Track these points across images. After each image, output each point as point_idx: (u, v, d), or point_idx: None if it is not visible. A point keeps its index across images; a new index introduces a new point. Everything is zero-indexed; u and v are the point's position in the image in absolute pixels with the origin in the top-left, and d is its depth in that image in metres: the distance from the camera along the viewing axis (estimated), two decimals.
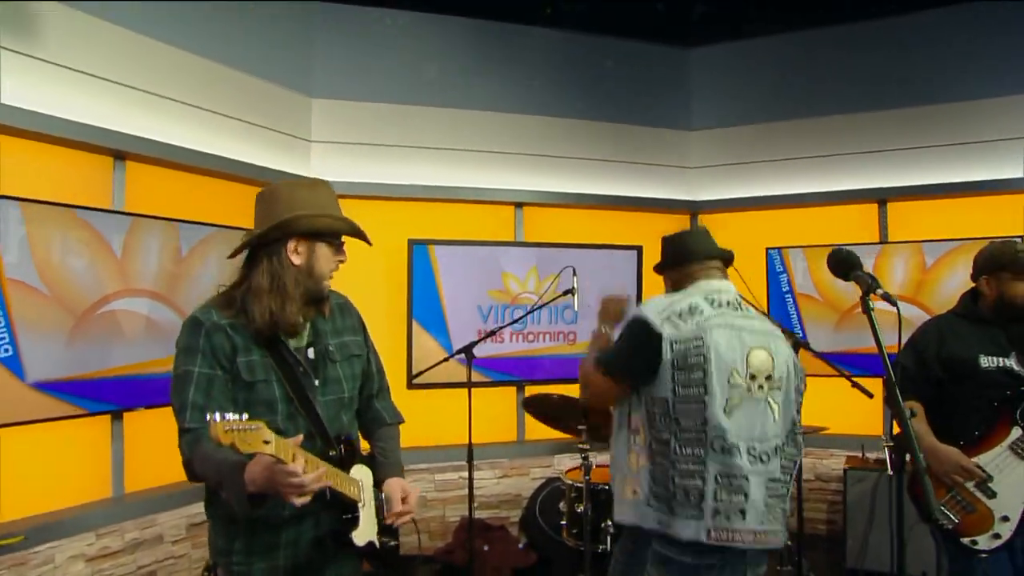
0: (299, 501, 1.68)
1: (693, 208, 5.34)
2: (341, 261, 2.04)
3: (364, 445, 2.21)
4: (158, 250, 3.52)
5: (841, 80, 5.03)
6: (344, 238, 2.04)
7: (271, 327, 1.89)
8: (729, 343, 2.21)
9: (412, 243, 4.55)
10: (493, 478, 4.76)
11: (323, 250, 1.97)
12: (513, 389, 4.90)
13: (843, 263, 2.09)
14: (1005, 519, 2.48)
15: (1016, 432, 2.50)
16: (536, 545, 4.56)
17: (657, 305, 2.28)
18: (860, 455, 4.55)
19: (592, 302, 4.79)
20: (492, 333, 3.96)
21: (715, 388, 2.15)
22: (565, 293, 4.00)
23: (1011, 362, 2.59)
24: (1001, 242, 2.78)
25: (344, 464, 1.98)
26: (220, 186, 4.00)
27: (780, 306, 4.98)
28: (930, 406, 2.71)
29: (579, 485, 3.58)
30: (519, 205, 4.92)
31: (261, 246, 1.94)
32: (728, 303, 2.33)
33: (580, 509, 3.53)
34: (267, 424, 1.61)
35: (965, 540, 2.52)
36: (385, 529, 2.10)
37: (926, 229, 4.73)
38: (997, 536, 2.48)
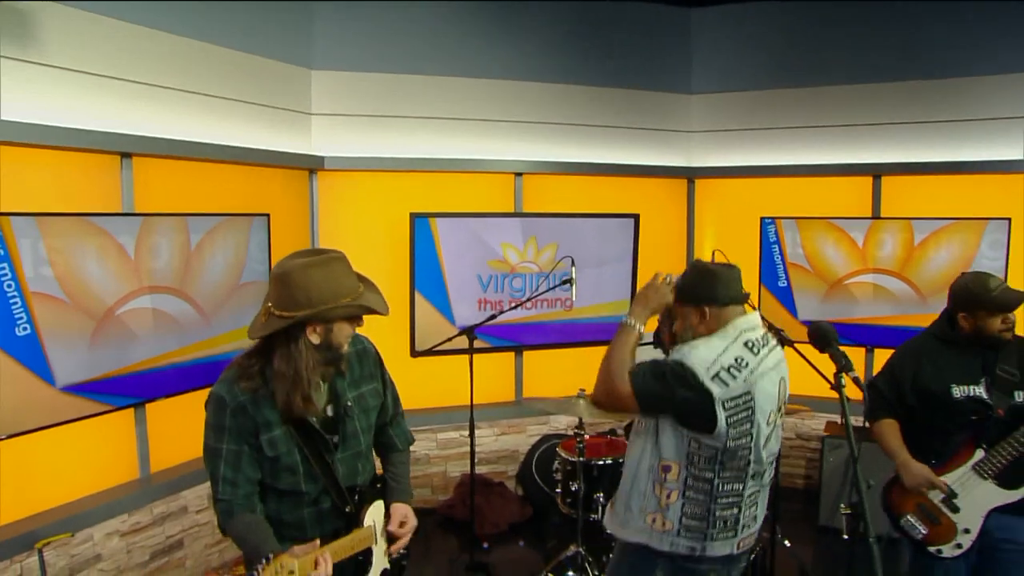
0: None
1: (690, 175, 5.48)
2: (359, 326, 2.19)
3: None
4: (168, 246, 3.70)
5: (844, 49, 5.07)
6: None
7: (291, 407, 2.06)
8: (769, 391, 2.32)
9: (414, 216, 4.71)
10: (492, 436, 5.14)
11: (340, 326, 2.11)
12: (511, 354, 5.20)
13: (822, 337, 2.28)
14: (966, 531, 2.76)
15: (979, 454, 2.75)
16: (532, 499, 5.00)
17: (704, 359, 2.27)
18: (838, 421, 4.91)
19: (591, 271, 5.06)
20: (492, 317, 4.19)
21: (761, 432, 2.29)
22: (564, 283, 4.20)
23: (980, 390, 2.78)
24: (975, 278, 2.84)
25: (358, 514, 2.22)
26: (224, 172, 4.13)
27: (772, 275, 5.22)
28: (904, 424, 2.94)
29: (573, 460, 3.93)
30: (518, 174, 5.06)
31: (280, 330, 2.07)
32: (761, 341, 2.37)
33: (575, 487, 3.89)
34: (287, 486, 1.97)
35: (931, 549, 2.81)
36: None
37: (917, 206, 4.91)
38: (959, 546, 2.76)
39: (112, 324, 3.46)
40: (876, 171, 4.98)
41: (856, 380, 2.17)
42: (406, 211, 4.72)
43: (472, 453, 4.23)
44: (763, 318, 2.62)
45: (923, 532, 2.81)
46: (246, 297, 4.08)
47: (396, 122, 4.79)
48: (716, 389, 2.21)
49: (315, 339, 2.07)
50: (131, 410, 3.66)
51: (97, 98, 3.45)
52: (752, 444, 2.28)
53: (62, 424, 3.27)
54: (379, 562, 2.29)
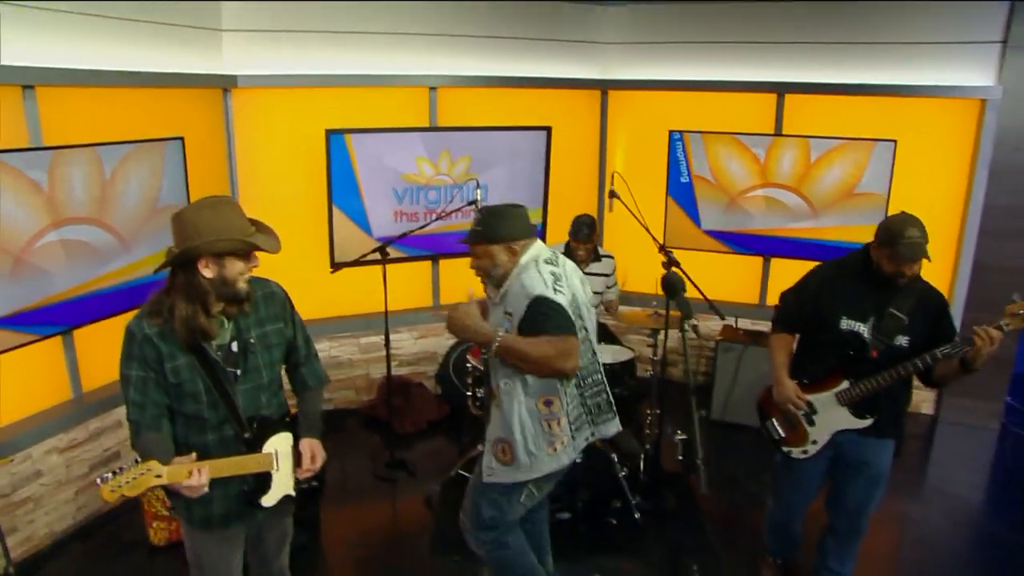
0: (196, 495, 2.29)
1: (604, 87, 5.67)
2: (254, 266, 2.42)
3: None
4: (82, 176, 3.81)
5: None
6: None
7: (190, 335, 2.34)
8: (580, 287, 2.88)
9: (329, 133, 4.86)
10: (411, 339, 5.55)
11: (232, 262, 2.34)
12: (428, 262, 5.52)
13: (671, 288, 2.65)
14: (814, 443, 3.25)
15: (844, 384, 3.13)
16: (450, 398, 5.49)
17: (543, 284, 2.68)
18: (734, 324, 5.46)
19: (504, 182, 5.32)
20: (405, 235, 4.50)
21: (587, 321, 2.86)
22: (469, 204, 4.48)
23: (864, 328, 3.06)
24: (900, 220, 2.97)
25: (258, 441, 2.51)
26: (135, 96, 4.15)
27: (678, 186, 5.57)
28: (801, 337, 3.35)
29: (480, 366, 4.35)
30: (433, 89, 5.18)
31: (178, 265, 2.33)
32: (554, 256, 2.87)
33: (481, 392, 4.33)
34: (191, 412, 2.29)
35: (784, 448, 3.34)
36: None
37: (815, 125, 5.26)
38: (805, 452, 3.27)
39: (31, 258, 3.63)
40: (780, 89, 5.27)
41: (695, 328, 2.55)
42: (322, 128, 4.85)
43: (388, 358, 4.66)
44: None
45: (781, 434, 3.32)
46: (165, 221, 4.10)
47: (310, 38, 4.82)
48: (562, 300, 2.68)
49: (208, 273, 2.30)
50: (59, 338, 3.90)
51: None
52: (590, 335, 2.84)
53: None
54: (280, 488, 2.58)
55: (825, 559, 3.41)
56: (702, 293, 4.12)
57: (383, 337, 4.65)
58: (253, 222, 2.44)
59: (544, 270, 2.75)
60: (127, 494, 2.15)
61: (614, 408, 3.02)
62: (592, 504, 4.13)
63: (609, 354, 4.41)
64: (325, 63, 4.86)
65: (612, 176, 4.39)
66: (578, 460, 3.04)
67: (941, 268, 5.25)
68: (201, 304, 2.32)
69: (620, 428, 3.02)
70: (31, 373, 3.84)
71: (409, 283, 5.46)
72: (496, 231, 2.80)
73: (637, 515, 4.07)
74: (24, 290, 3.62)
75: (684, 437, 4.46)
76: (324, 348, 5.31)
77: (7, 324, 3.57)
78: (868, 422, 3.11)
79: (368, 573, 3.78)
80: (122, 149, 4.01)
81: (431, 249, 5.40)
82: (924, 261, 2.94)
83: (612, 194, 4.36)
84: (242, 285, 2.37)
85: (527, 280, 2.72)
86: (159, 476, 2.19)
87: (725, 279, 5.63)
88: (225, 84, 4.65)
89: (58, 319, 3.82)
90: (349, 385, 5.47)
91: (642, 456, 4.44)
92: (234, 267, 2.33)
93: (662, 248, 4.16)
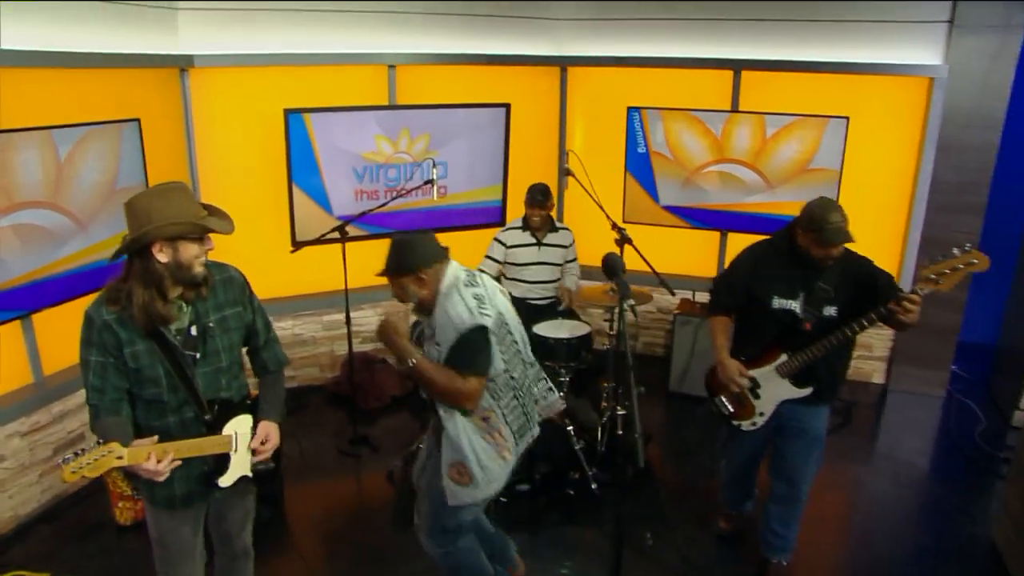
0: (160, 478, 2.38)
1: (563, 63, 5.73)
2: (208, 248, 2.47)
3: None
4: (36, 160, 3.82)
5: None
6: None
7: (148, 321, 2.41)
8: (507, 305, 2.97)
9: (288, 112, 4.88)
10: (374, 315, 5.64)
11: (185, 245, 2.39)
12: (389, 240, 5.56)
13: (610, 268, 2.76)
14: (761, 415, 3.45)
15: (782, 358, 3.31)
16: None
17: (467, 308, 2.74)
18: (691, 298, 5.61)
19: (463, 159, 5.38)
20: (363, 214, 4.56)
21: (514, 331, 2.97)
22: (426, 183, 4.55)
23: (796, 305, 3.24)
24: (822, 206, 3.14)
25: (218, 423, 2.59)
26: (89, 78, 4.14)
27: (636, 162, 5.68)
28: (737, 318, 3.52)
29: None
30: (392, 67, 5.21)
31: (134, 252, 2.39)
32: (472, 276, 2.92)
33: None
34: (151, 396, 2.36)
35: (734, 423, 3.54)
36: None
37: (770, 102, 5.37)
38: (753, 424, 3.48)
39: None
40: (736, 66, 5.37)
41: (632, 308, 2.66)
42: (280, 107, 4.87)
43: (349, 335, 4.76)
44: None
45: (730, 410, 3.51)
46: (123, 203, 4.25)
47: (267, 16, 4.82)
48: (488, 322, 2.76)
49: (163, 258, 2.35)
50: (18, 322, 3.93)
51: None
52: (520, 346, 2.97)
53: None
54: (237, 468, 2.67)
55: (770, 523, 3.61)
56: (652, 268, 4.28)
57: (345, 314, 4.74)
58: (205, 206, 2.49)
59: (467, 294, 2.80)
60: (88, 475, 2.23)
61: (553, 388, 3.20)
62: (550, 476, 4.27)
63: (566, 329, 4.55)
64: (283, 42, 4.87)
65: (568, 155, 4.48)
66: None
67: (891, 241, 5.44)
68: (158, 289, 2.38)
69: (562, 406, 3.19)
70: None
71: (371, 260, 5.47)
72: (400, 263, 2.84)
73: (594, 486, 4.23)
74: None
75: (623, 412, 4.61)
76: (287, 326, 5.39)
77: None
78: (809, 390, 3.31)
79: (331, 547, 3.90)
80: (77, 132, 4.01)
81: (392, 227, 5.46)
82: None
83: (567, 172, 4.46)
84: (198, 268, 2.43)
85: (452, 311, 2.77)
86: (120, 458, 2.27)
87: (683, 253, 5.77)
88: (182, 64, 4.65)
89: (16, 304, 3.84)
90: (313, 362, 5.56)
91: (599, 428, 4.60)
92: (188, 251, 2.38)
93: (615, 226, 4.30)
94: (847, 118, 5.12)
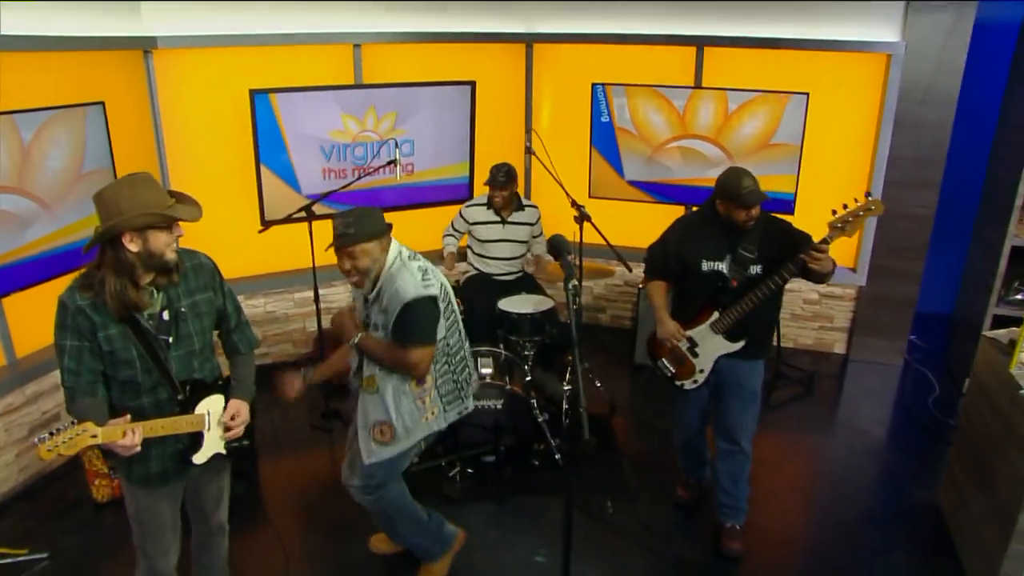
0: (129, 453, 2.51)
1: (529, 40, 5.80)
2: (178, 235, 2.58)
3: None
4: None
5: None
6: None
7: (121, 307, 2.53)
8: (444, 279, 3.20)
9: (253, 93, 4.94)
10: (345, 292, 5.75)
11: (155, 235, 2.50)
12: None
13: (555, 248, 2.90)
14: (701, 371, 3.71)
15: (715, 315, 3.58)
16: None
17: (415, 282, 2.97)
18: None
19: (430, 137, 5.47)
20: (328, 194, 4.69)
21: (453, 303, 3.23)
22: (388, 163, 4.66)
23: (723, 266, 3.53)
24: (733, 174, 3.45)
25: (190, 403, 2.73)
26: (51, 61, 4.18)
27: (601, 138, 5.78)
28: (673, 285, 3.77)
29: None
30: (357, 46, 5.26)
31: (106, 241, 2.49)
32: (408, 250, 3.14)
33: None
34: (126, 377, 2.50)
35: (677, 382, 3.79)
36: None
37: (733, 78, 5.49)
38: (695, 381, 3.73)
39: None
40: (699, 43, 5.47)
41: (575, 288, 2.80)
42: (245, 88, 4.93)
43: (318, 312, 4.90)
44: None
45: (672, 371, 3.78)
46: (91, 185, 4.32)
47: None
48: (433, 291, 3.00)
49: (133, 247, 2.47)
50: None
51: None
52: (457, 315, 3.23)
53: None
54: (211, 446, 2.82)
55: (721, 482, 3.83)
56: (607, 241, 4.46)
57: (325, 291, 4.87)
58: (173, 194, 2.60)
59: (412, 266, 3.02)
60: (64, 453, 2.35)
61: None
62: (516, 448, 4.44)
63: (531, 304, 4.69)
64: (247, 23, 4.91)
65: (531, 134, 4.58)
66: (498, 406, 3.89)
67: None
68: (129, 277, 2.49)
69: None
70: None
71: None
72: (368, 229, 2.97)
73: (558, 456, 4.41)
74: None
75: (569, 388, 4.77)
76: (260, 303, 5.51)
77: None
78: (742, 343, 3.58)
79: (303, 519, 4.07)
80: (40, 116, 4.07)
81: (362, 204, 5.54)
82: None
83: (529, 151, 4.58)
84: (170, 255, 2.55)
85: (400, 282, 2.98)
86: (94, 436, 2.40)
87: (648, 227, 5.82)
88: (145, 46, 4.68)
89: None
90: (286, 339, 5.69)
91: (564, 401, 4.78)
92: (158, 240, 2.49)
93: (574, 203, 4.44)
94: (807, 94, 5.24)
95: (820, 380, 5.59)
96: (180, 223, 2.55)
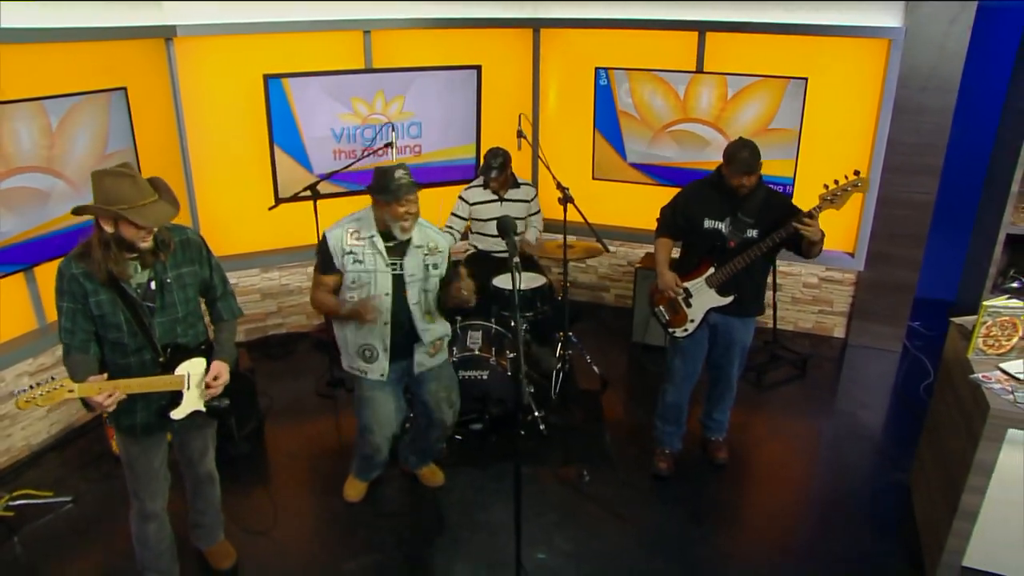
0: (105, 409, 2.84)
1: (536, 25, 6.03)
2: (146, 229, 2.86)
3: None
4: (29, 129, 4.32)
5: None
6: None
7: (106, 276, 2.89)
8: None
9: (267, 78, 5.32)
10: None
11: (124, 225, 2.83)
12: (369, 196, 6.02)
13: (503, 229, 3.31)
14: (692, 321, 4.12)
15: (711, 270, 3.98)
16: None
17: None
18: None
19: (437, 119, 5.76)
20: (331, 174, 5.04)
21: None
22: (385, 146, 4.99)
23: (723, 226, 3.94)
24: (737, 144, 3.86)
25: (170, 364, 3.08)
26: (78, 50, 4.59)
27: (604, 121, 6.01)
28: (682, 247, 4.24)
29: None
30: (367, 32, 5.58)
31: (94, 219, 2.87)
32: None
33: None
34: (114, 339, 2.89)
35: (670, 329, 4.22)
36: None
37: (733, 63, 5.63)
38: (686, 330, 4.15)
39: None
40: (702, 28, 5.62)
41: (517, 266, 3.11)
42: (260, 73, 5.30)
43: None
44: None
45: (667, 318, 4.23)
46: (113, 165, 4.75)
47: None
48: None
49: (109, 228, 2.83)
50: (21, 275, 4.51)
51: None
52: None
53: None
54: (190, 404, 3.17)
55: (711, 413, 4.51)
56: (588, 223, 4.72)
57: None
58: (156, 186, 2.92)
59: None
60: (40, 404, 2.74)
61: None
62: (503, 417, 4.74)
63: (524, 280, 4.96)
64: (261, 10, 5.26)
65: (519, 118, 4.85)
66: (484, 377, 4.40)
67: (851, 201, 5.66)
68: (111, 252, 2.84)
69: None
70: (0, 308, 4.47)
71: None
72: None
73: (542, 427, 4.71)
74: None
75: (513, 355, 4.92)
76: (275, 276, 5.91)
77: None
78: (730, 299, 4.02)
79: (299, 477, 4.47)
80: (67, 101, 4.50)
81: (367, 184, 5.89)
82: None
83: (519, 134, 4.85)
84: (142, 244, 2.88)
85: (424, 222, 3.71)
86: (71, 391, 2.77)
87: (649, 209, 6.02)
88: (166, 35, 5.08)
89: (19, 258, 4.40)
90: (300, 311, 6.09)
91: (554, 375, 5.07)
92: (127, 230, 2.82)
93: (559, 185, 4.71)
94: (806, 79, 5.37)
95: (817, 363, 5.75)
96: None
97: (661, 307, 4.25)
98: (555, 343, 5.24)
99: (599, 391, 5.32)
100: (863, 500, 4.26)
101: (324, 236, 3.64)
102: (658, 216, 4.26)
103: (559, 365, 5.13)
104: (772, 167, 5.54)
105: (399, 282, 3.63)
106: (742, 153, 3.81)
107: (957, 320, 4.09)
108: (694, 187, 4.16)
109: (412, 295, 3.68)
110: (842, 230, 5.80)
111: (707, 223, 3.97)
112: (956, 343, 3.94)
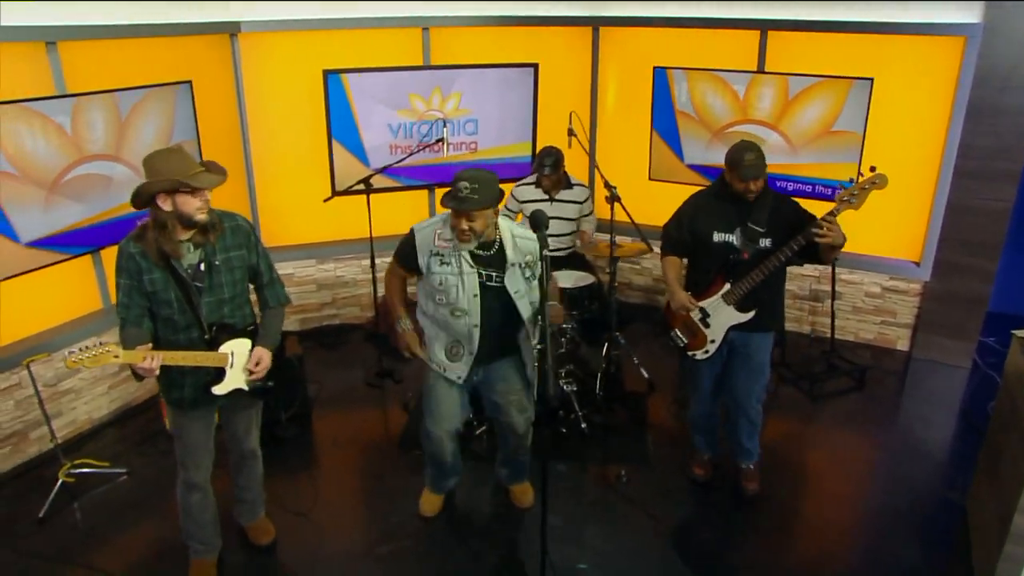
0: (149, 375, 3.00)
1: (595, 23, 6.04)
2: (205, 199, 3.06)
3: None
4: (101, 119, 4.59)
5: None
6: None
7: (160, 255, 3.07)
8: None
9: (327, 73, 5.49)
10: None
11: (183, 198, 3.00)
12: (426, 191, 6.18)
13: (535, 222, 3.20)
14: (713, 342, 3.93)
15: (726, 287, 3.79)
16: None
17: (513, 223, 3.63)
18: None
19: (494, 117, 5.83)
20: (383, 169, 5.19)
21: None
22: (436, 142, 5.08)
23: (734, 238, 3.74)
24: (739, 146, 3.68)
25: (215, 342, 3.25)
26: (147, 45, 4.85)
27: (663, 121, 5.97)
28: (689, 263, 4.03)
29: None
30: (426, 29, 5.70)
31: (148, 200, 3.02)
32: None
33: None
34: (166, 315, 3.08)
35: (690, 352, 4.03)
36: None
37: (795, 62, 5.52)
38: (707, 352, 3.96)
39: (61, 190, 4.46)
40: (764, 26, 5.53)
41: (545, 259, 3.07)
42: (319, 69, 5.49)
43: (374, 279, 5.47)
44: None
45: (684, 342, 4.03)
46: None
47: None
48: None
49: (167, 207, 2.99)
50: (88, 257, 4.78)
51: None
52: None
53: (30, 272, 4.40)
54: (232, 381, 3.33)
55: (738, 437, 4.16)
56: (633, 222, 4.67)
57: (383, 259, 5.26)
58: (204, 163, 3.12)
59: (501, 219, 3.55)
60: (87, 366, 2.92)
61: None
62: (545, 415, 4.75)
63: (572, 279, 4.97)
64: (323, 7, 5.43)
65: (571, 115, 4.86)
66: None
67: (917, 208, 5.52)
68: (166, 231, 3.01)
69: None
70: (67, 287, 4.75)
71: (409, 209, 6.11)
72: (489, 196, 3.31)
73: (584, 426, 4.72)
74: (56, 217, 4.47)
75: (540, 346, 4.97)
76: (330, 268, 6.09)
77: (44, 245, 4.44)
78: (751, 314, 3.80)
79: (345, 464, 4.61)
80: (136, 93, 4.76)
81: (425, 180, 6.05)
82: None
83: (570, 131, 4.86)
84: (200, 216, 3.04)
85: (516, 230, 3.55)
86: (116, 356, 2.94)
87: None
88: (230, 30, 5.31)
89: (87, 241, 4.68)
90: (355, 303, 6.25)
91: (599, 375, 5.06)
92: (187, 203, 2.99)
93: (607, 184, 4.70)
94: (871, 79, 5.22)
95: (877, 376, 5.56)
96: (207, 191, 3.02)
97: (677, 330, 4.04)
98: (603, 343, 5.24)
99: (645, 393, 5.28)
100: (915, 517, 4.11)
101: (412, 231, 3.57)
102: (662, 234, 4.04)
103: (604, 365, 5.12)
104: (834, 171, 5.44)
105: (486, 288, 3.53)
106: (747, 156, 3.61)
107: (1019, 333, 3.88)
108: (698, 199, 3.95)
109: (523, 310, 3.58)
110: (907, 238, 5.61)
111: (717, 236, 3.77)
112: (1017, 358, 3.75)
